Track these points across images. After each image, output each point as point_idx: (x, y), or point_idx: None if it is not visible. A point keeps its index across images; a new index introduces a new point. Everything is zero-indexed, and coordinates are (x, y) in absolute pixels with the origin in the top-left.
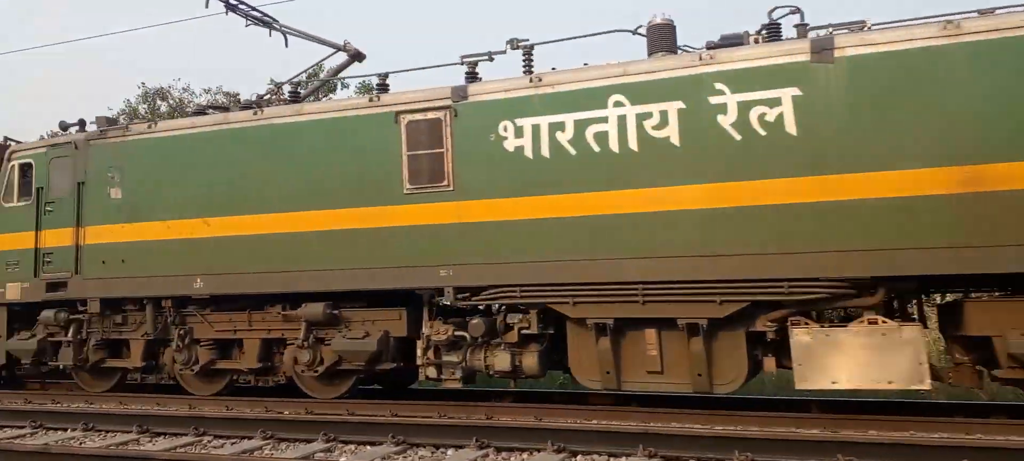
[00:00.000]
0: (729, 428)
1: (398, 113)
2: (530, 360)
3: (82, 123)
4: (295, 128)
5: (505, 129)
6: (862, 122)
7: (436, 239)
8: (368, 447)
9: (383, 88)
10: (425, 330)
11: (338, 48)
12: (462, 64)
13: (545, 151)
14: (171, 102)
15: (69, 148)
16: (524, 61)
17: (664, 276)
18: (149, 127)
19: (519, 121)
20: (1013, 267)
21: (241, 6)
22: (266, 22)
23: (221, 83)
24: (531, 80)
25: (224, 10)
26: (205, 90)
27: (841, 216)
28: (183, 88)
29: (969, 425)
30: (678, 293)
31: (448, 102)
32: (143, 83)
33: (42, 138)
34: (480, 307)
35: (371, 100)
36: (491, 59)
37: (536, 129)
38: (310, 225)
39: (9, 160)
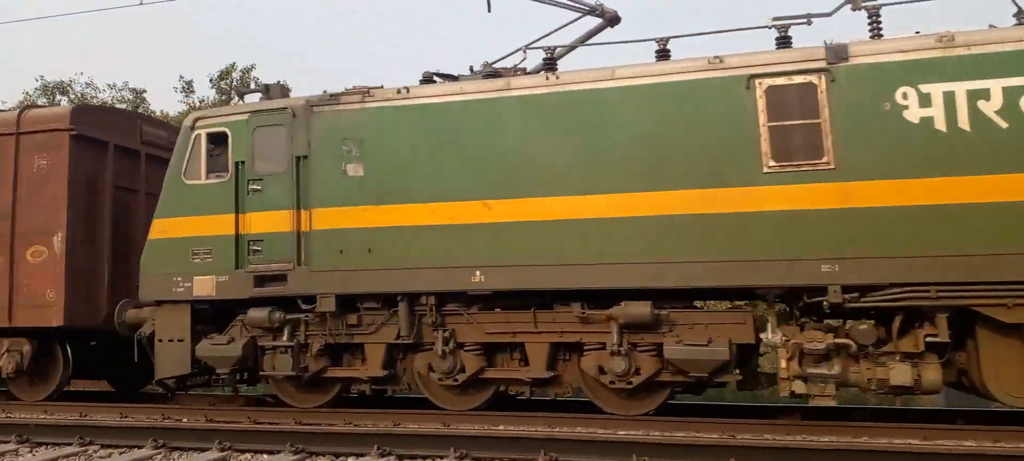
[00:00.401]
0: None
1: (751, 76)
2: (932, 374)
3: (283, 89)
4: (602, 95)
5: (905, 96)
6: None
7: (811, 227)
8: (265, 456)
9: (663, 54)
10: (773, 336)
11: (588, 11)
12: (770, 27)
13: (964, 123)
14: (72, 97)
15: (283, 115)
16: (871, 25)
17: None
18: (400, 92)
19: (925, 87)
20: None
21: None
22: None
23: (127, 79)
24: (939, 39)
25: None
26: (109, 85)
27: None
28: (86, 83)
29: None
30: None
31: (822, 64)
32: (41, 76)
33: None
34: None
35: (710, 62)
36: (819, 19)
37: (950, 97)
38: (623, 210)
39: (193, 128)
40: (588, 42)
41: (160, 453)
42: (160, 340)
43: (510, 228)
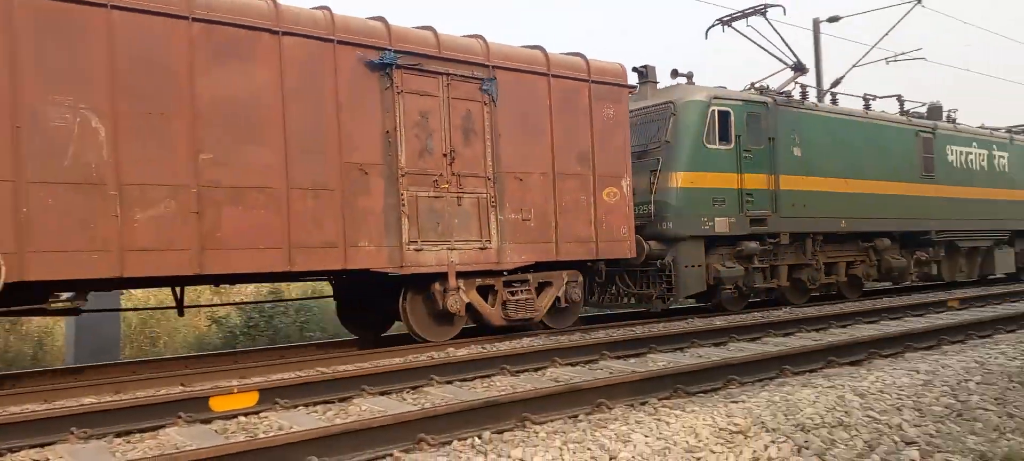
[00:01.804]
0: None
1: (917, 131)
2: None
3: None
4: (872, 125)
5: None
6: None
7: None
8: None
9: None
10: None
11: (792, 66)
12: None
13: None
14: None
15: (763, 107)
16: None
17: None
18: (815, 106)
19: None
20: None
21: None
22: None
23: None
24: None
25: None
26: None
27: None
28: None
29: None
30: None
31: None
32: None
33: (723, 88)
34: None
35: (901, 114)
36: None
37: None
38: (884, 190)
39: (709, 104)
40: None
41: None
42: (686, 265)
43: (854, 197)
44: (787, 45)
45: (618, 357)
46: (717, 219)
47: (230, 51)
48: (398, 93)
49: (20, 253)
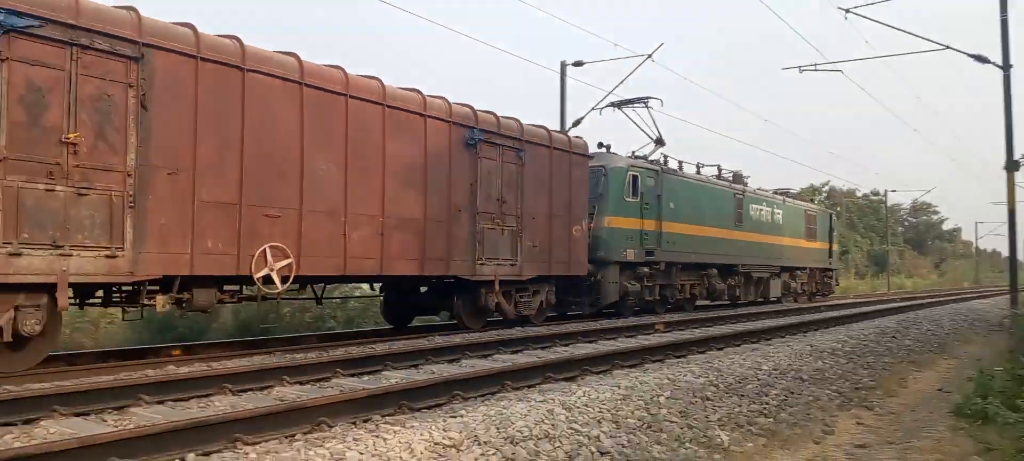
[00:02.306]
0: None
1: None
2: None
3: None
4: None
5: None
6: None
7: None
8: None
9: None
10: None
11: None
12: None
13: None
14: None
15: (655, 173)
16: None
17: None
18: (681, 173)
19: None
20: None
21: None
22: None
23: None
24: None
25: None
26: None
27: None
28: None
29: None
30: None
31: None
32: None
33: (630, 155)
34: None
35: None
36: None
37: None
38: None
39: (629, 170)
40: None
41: None
42: (609, 282)
43: (702, 239)
44: (655, 125)
45: (352, 374)
46: (628, 250)
47: (401, 127)
48: (478, 158)
49: (298, 257)
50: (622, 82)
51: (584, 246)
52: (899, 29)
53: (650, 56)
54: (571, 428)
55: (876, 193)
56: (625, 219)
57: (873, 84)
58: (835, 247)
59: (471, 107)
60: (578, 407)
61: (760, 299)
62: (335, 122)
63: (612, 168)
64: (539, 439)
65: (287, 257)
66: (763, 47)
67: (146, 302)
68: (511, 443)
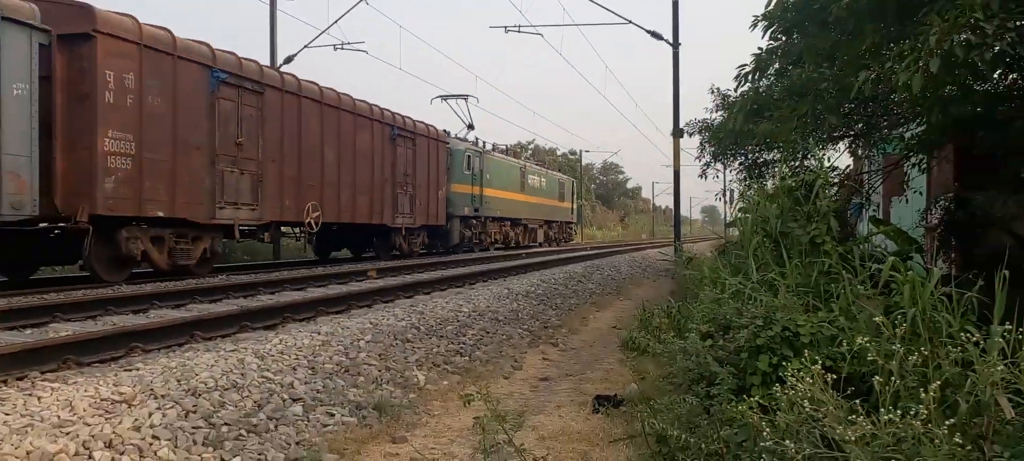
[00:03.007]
0: None
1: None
2: None
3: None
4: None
5: None
6: None
7: None
8: None
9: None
10: None
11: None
12: None
13: None
14: None
15: (479, 154)
16: None
17: None
18: (494, 152)
19: None
20: None
21: None
22: None
23: None
24: None
25: None
26: None
27: None
28: None
29: None
30: None
31: None
32: None
33: (465, 141)
34: None
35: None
36: None
37: None
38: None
39: (466, 152)
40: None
41: None
42: (456, 230)
43: (506, 200)
44: (469, 114)
45: (10, 328)
46: (465, 208)
47: (362, 128)
48: (396, 147)
49: (323, 210)
50: (336, 22)
51: (444, 205)
52: (590, 0)
53: None
54: (263, 376)
55: (573, 152)
56: (464, 186)
57: (569, 50)
58: (574, 206)
59: (392, 112)
60: (273, 355)
61: (530, 243)
62: (332, 126)
63: (455, 150)
64: (225, 389)
65: (318, 210)
66: (470, 3)
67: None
68: (193, 395)
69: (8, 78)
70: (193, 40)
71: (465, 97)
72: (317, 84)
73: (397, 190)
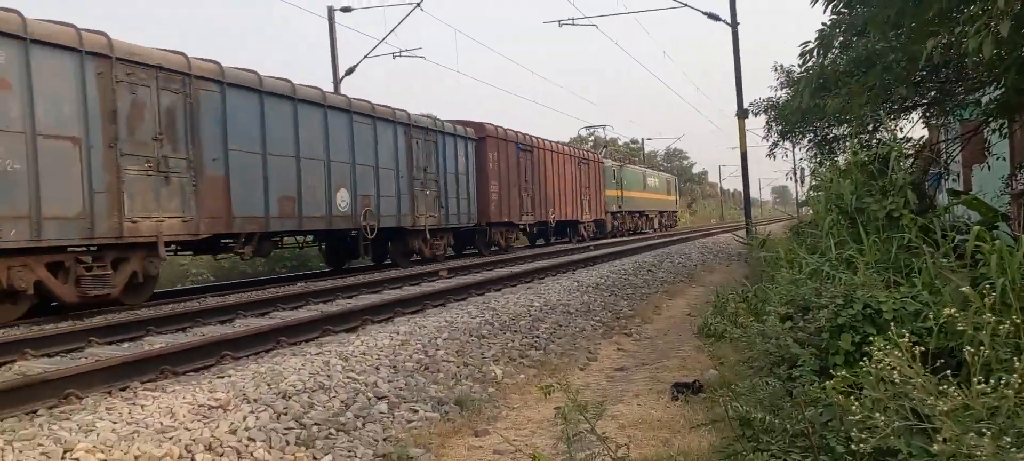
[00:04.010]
0: None
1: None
2: None
3: None
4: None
5: None
6: None
7: None
8: None
9: None
10: None
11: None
12: None
13: None
14: None
15: (618, 167)
16: None
17: None
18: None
19: None
20: None
21: None
22: None
23: None
24: None
25: None
26: None
27: None
28: None
29: None
30: None
31: None
32: None
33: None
34: None
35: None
36: None
37: None
38: None
39: (611, 168)
40: None
41: None
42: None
43: (631, 199)
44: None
45: (109, 342)
46: (613, 206)
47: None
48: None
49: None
50: (393, 30)
51: (603, 204)
52: None
53: (419, 4)
54: (348, 377)
55: (635, 141)
56: (612, 191)
57: (625, 38)
58: (677, 198)
59: (579, 149)
60: (356, 356)
61: (648, 229)
62: (560, 165)
63: (607, 168)
64: (313, 391)
65: (554, 211)
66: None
67: None
68: (283, 398)
69: None
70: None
71: (602, 126)
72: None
73: (585, 196)
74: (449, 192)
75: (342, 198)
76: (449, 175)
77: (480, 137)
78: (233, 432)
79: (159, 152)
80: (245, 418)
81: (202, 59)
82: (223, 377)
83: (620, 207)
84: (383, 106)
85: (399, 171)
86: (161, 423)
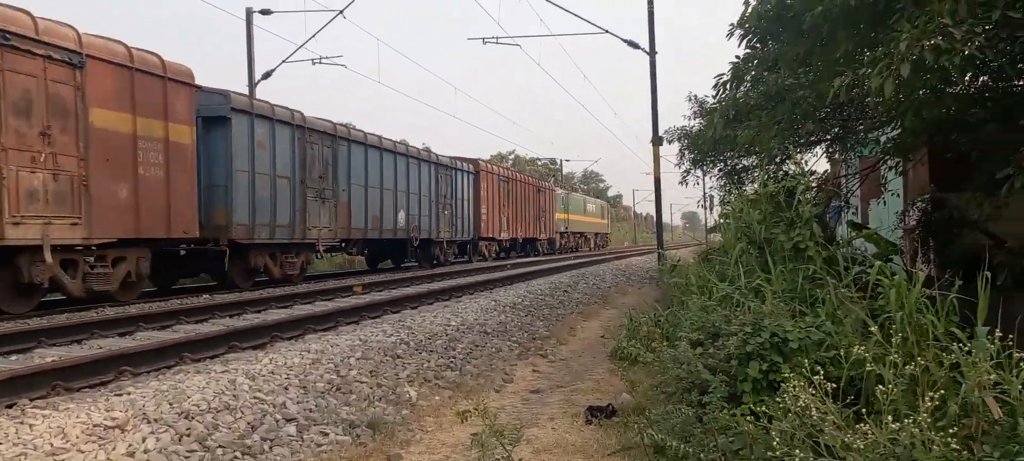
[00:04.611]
0: None
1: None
2: None
3: None
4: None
5: None
6: None
7: None
8: None
9: None
10: None
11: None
12: None
13: None
14: None
15: (565, 194)
16: None
17: None
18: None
19: None
20: None
21: None
22: None
23: None
24: None
25: None
26: None
27: None
28: None
29: None
30: None
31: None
32: None
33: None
34: None
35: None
36: None
37: None
38: None
39: (560, 195)
40: None
41: None
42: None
43: (573, 221)
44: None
45: None
46: (561, 227)
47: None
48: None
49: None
50: (313, 36)
51: (555, 225)
52: (567, 10)
53: (342, 12)
54: (255, 397)
55: (554, 161)
56: (561, 214)
57: (547, 60)
58: (609, 221)
59: (538, 180)
60: (264, 375)
61: (584, 246)
62: (521, 195)
63: (558, 194)
64: (218, 411)
65: (507, 230)
66: (449, 15)
67: None
68: (186, 418)
69: None
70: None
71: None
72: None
73: (541, 219)
74: (457, 213)
75: (401, 217)
76: (458, 201)
77: (476, 171)
78: (131, 455)
79: (321, 185)
80: (144, 439)
81: (341, 124)
82: (121, 394)
83: (566, 228)
84: (423, 150)
85: (430, 198)
86: (51, 444)
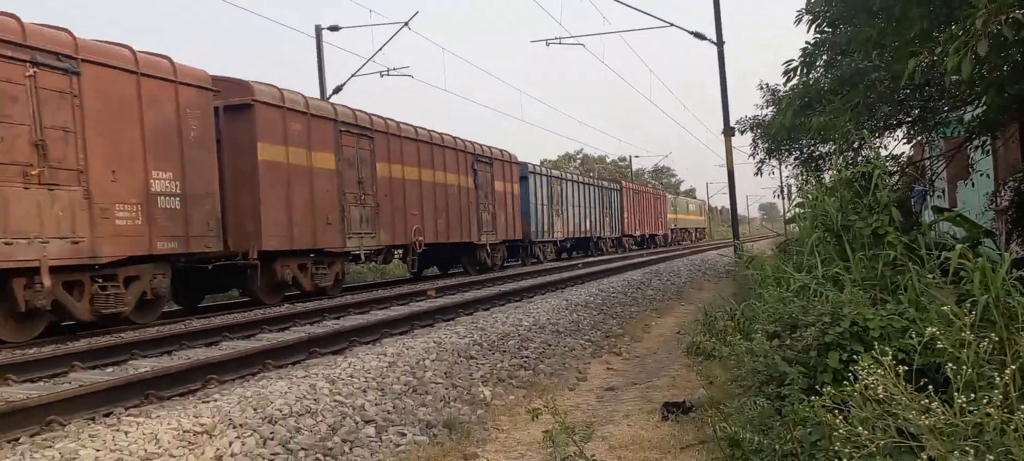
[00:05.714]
0: None
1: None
2: None
3: None
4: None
5: None
6: None
7: None
8: None
9: None
10: None
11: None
12: None
13: None
14: None
15: (676, 196)
16: None
17: None
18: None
19: None
20: None
21: None
22: None
23: None
24: None
25: None
26: None
27: None
28: None
29: None
30: None
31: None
32: None
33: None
34: None
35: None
36: None
37: None
38: None
39: (674, 199)
40: None
41: None
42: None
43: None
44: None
45: (93, 367)
46: (672, 225)
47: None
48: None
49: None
50: (380, 49)
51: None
52: (630, 6)
53: (406, 24)
54: (335, 400)
55: (623, 159)
56: (672, 214)
57: (612, 57)
58: (707, 218)
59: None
60: (343, 379)
61: (688, 241)
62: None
63: (672, 198)
64: (300, 415)
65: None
66: (512, 18)
67: None
68: (269, 422)
69: None
70: None
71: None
72: (623, 180)
73: (659, 218)
74: (614, 217)
75: (587, 224)
76: (613, 209)
77: (620, 187)
78: (218, 459)
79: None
80: (231, 444)
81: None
82: (209, 401)
83: (675, 225)
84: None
85: (599, 208)
86: (145, 450)
